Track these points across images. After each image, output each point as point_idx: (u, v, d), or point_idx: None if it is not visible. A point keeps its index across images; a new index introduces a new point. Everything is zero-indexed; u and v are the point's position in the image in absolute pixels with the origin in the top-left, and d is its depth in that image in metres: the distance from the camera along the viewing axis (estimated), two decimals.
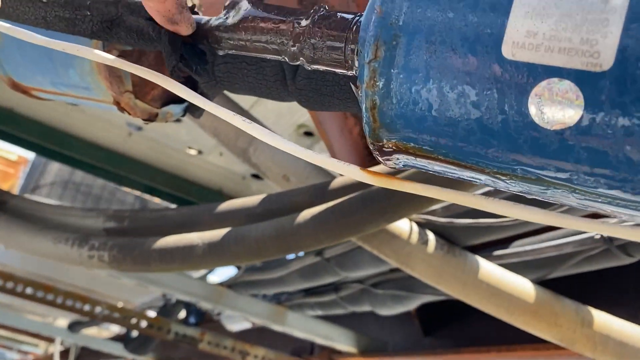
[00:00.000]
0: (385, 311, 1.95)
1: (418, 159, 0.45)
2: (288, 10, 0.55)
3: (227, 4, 0.59)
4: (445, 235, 1.32)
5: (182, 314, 3.08)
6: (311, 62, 0.52)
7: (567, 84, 0.35)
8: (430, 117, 0.41)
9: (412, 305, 1.88)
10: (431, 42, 0.39)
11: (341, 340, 2.60)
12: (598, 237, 1.23)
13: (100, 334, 5.11)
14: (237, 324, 3.04)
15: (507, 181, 0.42)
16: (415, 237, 1.26)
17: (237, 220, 1.15)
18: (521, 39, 0.36)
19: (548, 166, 0.38)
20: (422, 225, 1.30)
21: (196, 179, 2.69)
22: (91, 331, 4.66)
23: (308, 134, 2.19)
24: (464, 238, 1.32)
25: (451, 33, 0.39)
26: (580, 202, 0.40)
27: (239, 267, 2.52)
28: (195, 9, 0.67)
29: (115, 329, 4.87)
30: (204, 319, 3.06)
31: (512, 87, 0.37)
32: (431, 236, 1.28)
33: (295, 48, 0.52)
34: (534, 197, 0.43)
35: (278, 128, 2.19)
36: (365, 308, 2.07)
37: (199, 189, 2.69)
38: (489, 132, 0.39)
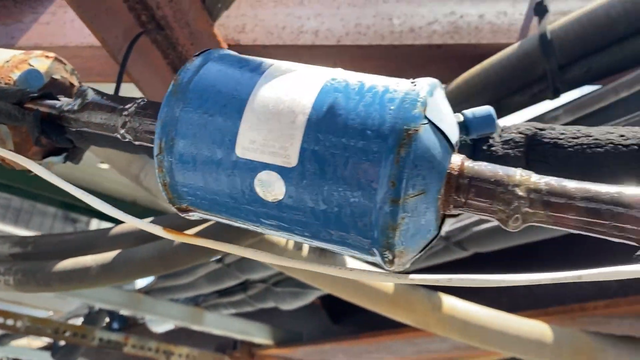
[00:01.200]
0: (286, 306, 2.15)
1: (205, 214, 0.63)
2: (120, 99, 0.73)
3: (75, 91, 0.76)
4: None
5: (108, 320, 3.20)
6: (135, 140, 0.70)
7: (274, 174, 0.55)
8: (201, 191, 0.59)
9: (308, 299, 2.09)
10: (195, 144, 0.58)
11: (258, 334, 2.79)
12: (442, 235, 1.46)
13: (31, 345, 5.10)
14: (161, 326, 3.18)
15: (261, 228, 0.61)
16: (291, 243, 1.46)
17: (127, 242, 1.31)
18: (246, 144, 0.55)
19: (272, 221, 0.57)
20: None
21: (110, 192, 2.79)
22: (22, 342, 4.67)
23: None
24: None
25: (207, 138, 0.57)
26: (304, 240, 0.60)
27: None
28: (64, 78, 0.83)
29: (47, 338, 4.88)
30: (127, 324, 3.18)
31: (244, 174, 0.56)
32: None
33: (123, 130, 0.70)
34: (280, 234, 0.62)
35: None
36: (270, 305, 2.27)
37: (114, 201, 2.80)
38: (236, 202, 0.58)
